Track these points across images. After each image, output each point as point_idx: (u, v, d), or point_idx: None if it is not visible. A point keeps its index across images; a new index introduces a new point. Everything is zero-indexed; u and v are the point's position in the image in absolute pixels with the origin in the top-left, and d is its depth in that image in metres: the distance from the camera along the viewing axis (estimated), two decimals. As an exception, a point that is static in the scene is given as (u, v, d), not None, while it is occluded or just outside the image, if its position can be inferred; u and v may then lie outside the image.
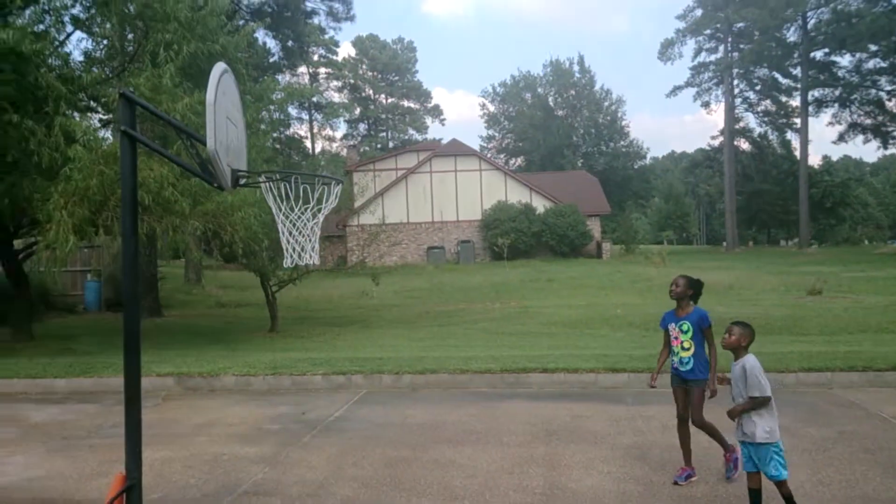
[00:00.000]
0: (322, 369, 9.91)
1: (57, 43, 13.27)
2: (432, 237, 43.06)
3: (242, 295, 26.40)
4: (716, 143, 68.92)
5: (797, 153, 60.50)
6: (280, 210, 4.61)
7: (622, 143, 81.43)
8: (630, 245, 48.65)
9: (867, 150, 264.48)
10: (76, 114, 13.54)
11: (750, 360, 4.86)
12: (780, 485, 4.74)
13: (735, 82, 60.71)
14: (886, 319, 15.35)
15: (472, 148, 47.54)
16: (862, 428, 6.94)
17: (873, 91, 55.05)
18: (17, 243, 15.93)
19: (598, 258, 41.61)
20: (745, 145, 67.12)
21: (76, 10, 13.77)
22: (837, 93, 56.42)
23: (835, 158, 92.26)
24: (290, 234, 4.68)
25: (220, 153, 4.00)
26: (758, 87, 62.38)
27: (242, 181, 4.48)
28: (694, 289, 5.60)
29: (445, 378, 9.61)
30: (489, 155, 71.66)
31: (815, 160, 77.32)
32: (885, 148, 60.15)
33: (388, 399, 8.84)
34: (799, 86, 56.84)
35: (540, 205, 42.59)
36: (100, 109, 14.81)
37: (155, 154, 12.07)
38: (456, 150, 44.72)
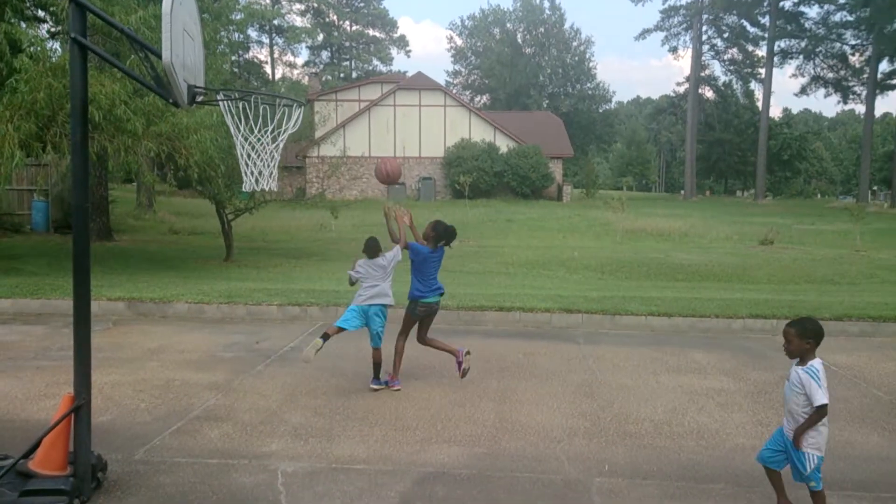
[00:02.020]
0: (278, 300, 9.82)
1: (2, -53, 12.42)
2: (394, 172, 42.64)
3: (196, 223, 25.92)
4: (681, 90, 69.08)
5: (759, 104, 61.07)
6: (239, 131, 4.44)
7: (588, 85, 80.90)
8: (591, 189, 48.99)
9: (827, 105, 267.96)
10: (23, 23, 12.81)
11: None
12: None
13: (704, 28, 60.57)
14: (832, 271, 15.86)
15: (438, 83, 46.76)
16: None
17: (838, 44, 55.55)
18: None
19: (558, 201, 41.85)
20: (709, 93, 67.49)
21: (23, -88, 12.89)
22: (803, 44, 56.77)
23: (795, 111, 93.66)
24: (249, 157, 4.54)
25: (175, 67, 3.80)
26: (726, 35, 62.44)
27: (199, 98, 4.28)
28: (436, 231, 6.59)
29: (402, 313, 9.60)
30: (455, 91, 70.61)
31: (775, 112, 78.45)
32: (846, 102, 61.23)
33: (344, 333, 8.82)
34: (766, 35, 56.97)
35: (503, 144, 42.38)
36: (48, 20, 14.04)
37: (106, 69, 11.54)
38: (421, 83, 43.96)
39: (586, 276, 15.35)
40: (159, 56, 3.87)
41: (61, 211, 20.67)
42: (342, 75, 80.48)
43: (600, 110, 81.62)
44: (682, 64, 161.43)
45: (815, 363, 3.94)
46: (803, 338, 3.98)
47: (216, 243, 18.00)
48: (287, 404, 5.89)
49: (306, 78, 63.73)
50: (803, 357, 4.00)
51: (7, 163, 10.46)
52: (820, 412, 3.85)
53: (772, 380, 6.93)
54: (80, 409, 4.06)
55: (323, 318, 9.43)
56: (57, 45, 13.63)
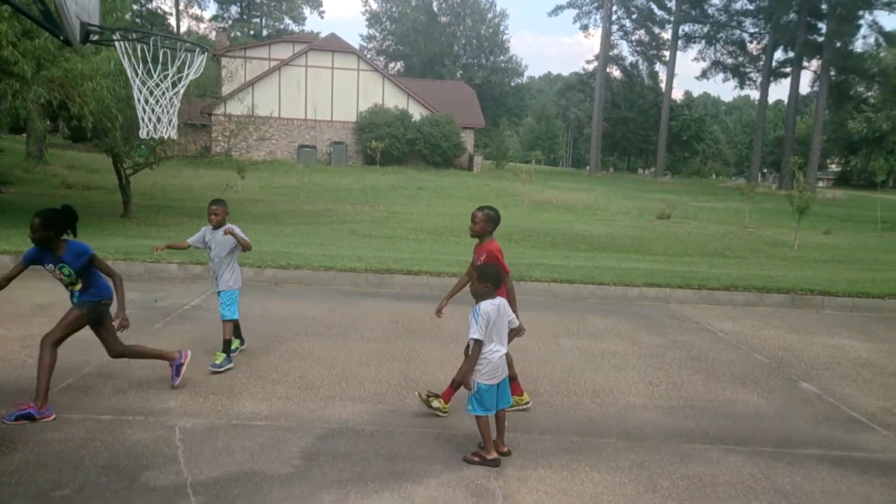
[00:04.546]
0: (178, 258, 9.50)
1: None
2: (304, 135, 41.70)
3: (92, 177, 24.59)
4: (590, 67, 70.50)
5: (663, 85, 63.22)
6: (136, 75, 4.24)
7: (502, 58, 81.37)
8: (501, 161, 49.53)
9: (725, 89, 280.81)
10: None
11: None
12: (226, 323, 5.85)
13: (614, 8, 61.82)
14: (723, 245, 16.78)
15: (352, 46, 45.81)
16: (692, 339, 7.63)
17: (738, 32, 57.99)
18: None
19: (469, 171, 42.14)
20: (616, 73, 69.21)
21: None
22: (706, 30, 58.94)
23: (696, 94, 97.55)
24: (147, 102, 4.35)
25: (67, 0, 3.58)
26: (634, 16, 63.96)
27: (94, 38, 4.04)
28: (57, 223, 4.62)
29: (309, 274, 9.53)
30: (369, 56, 69.45)
31: (677, 94, 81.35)
32: (742, 88, 64.11)
33: (249, 292, 8.61)
34: (672, 19, 58.82)
35: (416, 112, 42.15)
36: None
37: (-9, 7, 10.70)
38: (334, 45, 42.95)
39: (493, 245, 15.62)
40: (51, -10, 3.65)
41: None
42: (252, 32, 77.61)
43: (512, 84, 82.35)
44: (592, 42, 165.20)
45: (483, 304, 4.34)
46: (482, 281, 4.41)
47: (113, 199, 17.17)
48: (187, 362, 5.73)
49: (213, 33, 61.11)
50: (483, 298, 4.37)
51: None
52: (474, 345, 4.26)
53: (663, 343, 7.31)
54: (-41, 362, 3.82)
55: (226, 277, 9.19)
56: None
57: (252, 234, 13.97)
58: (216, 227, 5.82)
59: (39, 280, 8.47)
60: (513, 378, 5.03)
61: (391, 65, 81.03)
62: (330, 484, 3.85)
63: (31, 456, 3.92)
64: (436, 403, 5.01)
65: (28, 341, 5.93)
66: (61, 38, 3.95)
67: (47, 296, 7.68)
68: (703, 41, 59.53)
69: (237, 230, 5.76)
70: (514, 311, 4.78)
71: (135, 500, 3.55)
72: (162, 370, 5.45)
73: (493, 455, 4.26)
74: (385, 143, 38.56)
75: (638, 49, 67.16)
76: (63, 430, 4.28)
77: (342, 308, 8.08)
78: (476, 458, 4.26)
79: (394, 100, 42.36)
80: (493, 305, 4.34)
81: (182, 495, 3.61)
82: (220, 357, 5.65)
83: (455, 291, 5.36)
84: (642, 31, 65.18)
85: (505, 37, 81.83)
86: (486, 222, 5.03)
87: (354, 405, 5.07)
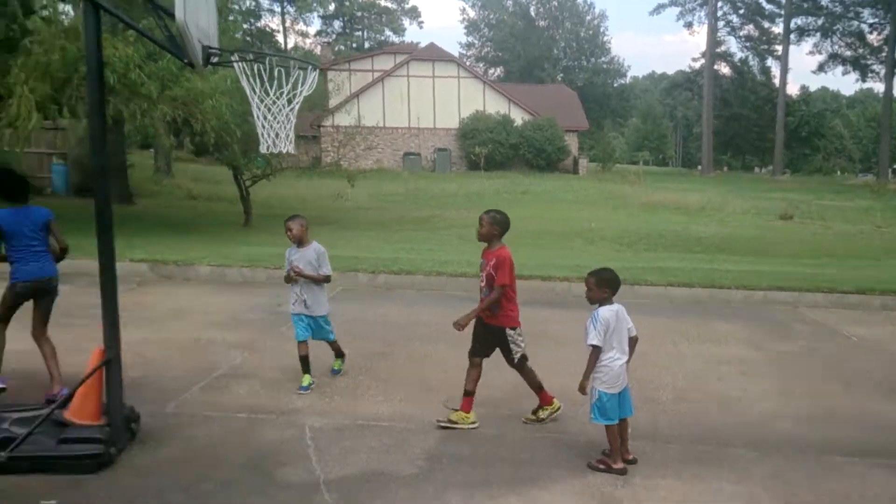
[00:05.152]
0: (298, 264, 9.87)
1: None
2: (409, 143, 42.44)
3: (214, 189, 25.96)
4: (696, 65, 67.88)
5: (776, 81, 60.10)
6: (255, 94, 4.46)
7: (603, 59, 79.99)
8: (607, 163, 48.54)
9: (845, 83, 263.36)
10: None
11: (317, 247, 5.45)
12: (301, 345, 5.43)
13: (719, 4, 59.33)
14: (853, 246, 15.76)
15: (451, 54, 46.26)
16: (825, 345, 7.19)
17: (855, 22, 54.25)
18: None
19: (574, 174, 41.55)
20: (725, 69, 66.30)
21: None
22: (820, 22, 55.47)
23: (813, 89, 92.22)
24: (265, 119, 4.57)
25: (189, 26, 3.82)
26: (741, 11, 61.13)
27: (214, 60, 4.29)
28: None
29: (420, 279, 9.67)
30: (468, 63, 69.92)
31: (793, 89, 77.02)
32: (864, 80, 59.98)
33: (364, 297, 8.89)
34: (782, 12, 55.81)
35: (518, 117, 42.02)
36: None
37: (119, 33, 11.53)
38: (434, 54, 43.51)
39: (604, 248, 15.33)
40: (172, 16, 3.88)
41: (81, 174, 20.74)
42: (354, 45, 79.81)
43: (615, 84, 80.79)
44: (698, 39, 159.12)
45: (602, 309, 4.26)
46: (599, 287, 4.30)
47: (234, 209, 18.07)
48: (312, 363, 5.94)
49: (318, 47, 63.32)
50: (601, 304, 4.29)
51: (24, 125, 10.53)
52: (592, 352, 4.24)
53: (793, 349, 6.93)
54: (110, 362, 4.14)
55: (343, 282, 9.46)
56: (69, 8, 13.62)
57: (363, 241, 14.38)
58: (298, 244, 5.47)
59: (173, 286, 9.06)
60: (540, 387, 5.06)
61: (491, 71, 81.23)
62: (455, 486, 3.88)
63: (177, 451, 4.17)
64: (454, 417, 4.81)
65: (167, 344, 6.35)
66: (185, 61, 4.20)
67: (181, 301, 8.18)
68: (818, 34, 56.03)
69: (305, 272, 5.41)
70: (475, 313, 4.97)
71: (274, 496, 3.71)
72: (290, 371, 5.66)
73: (620, 465, 4.16)
74: (488, 149, 38.68)
75: (747, 45, 64.12)
76: (204, 427, 4.53)
77: (453, 313, 8.08)
78: (601, 466, 4.19)
79: (495, 105, 42.42)
80: (612, 311, 4.27)
81: (317, 492, 3.75)
82: (338, 363, 5.83)
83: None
84: (751, 26, 62.22)
85: (605, 38, 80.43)
86: (492, 225, 4.92)
87: (474, 409, 5.08)
